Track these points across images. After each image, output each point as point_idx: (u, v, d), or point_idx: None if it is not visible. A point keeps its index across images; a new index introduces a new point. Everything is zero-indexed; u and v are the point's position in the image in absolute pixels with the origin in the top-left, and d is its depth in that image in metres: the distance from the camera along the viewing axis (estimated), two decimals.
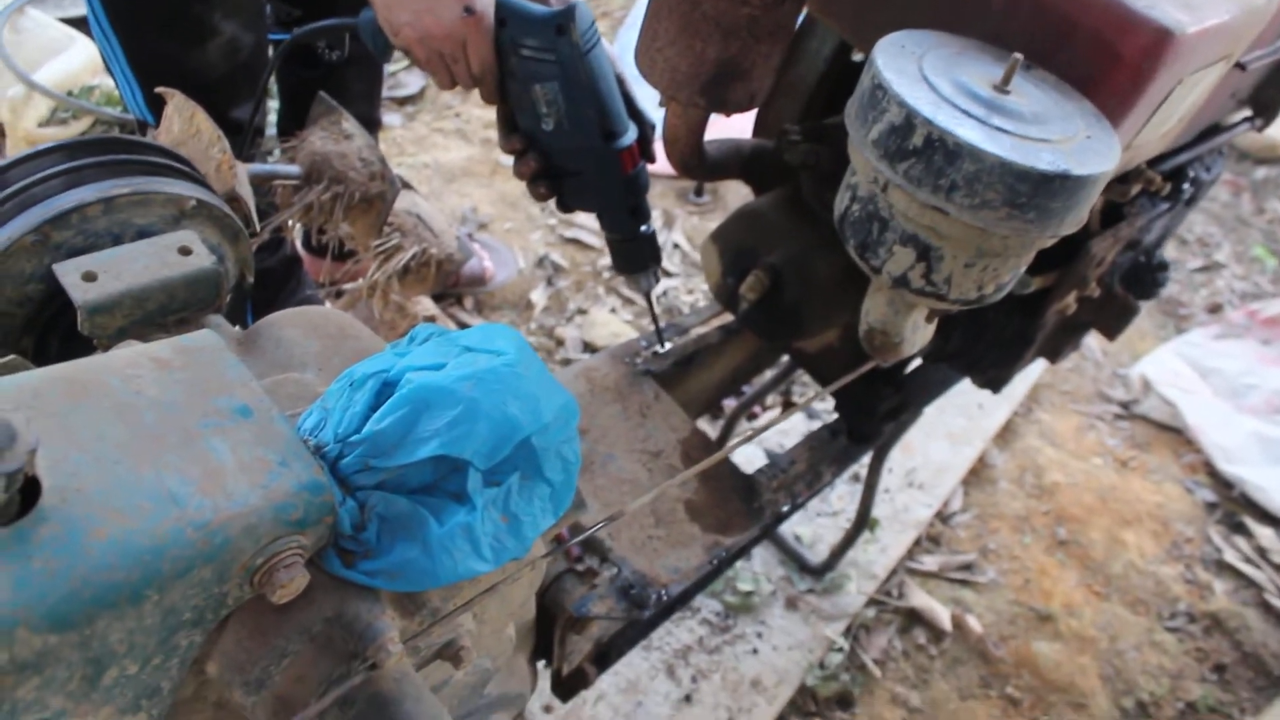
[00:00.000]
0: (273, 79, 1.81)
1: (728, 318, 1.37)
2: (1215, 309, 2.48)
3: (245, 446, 0.61)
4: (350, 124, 1.34)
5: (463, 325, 2.07)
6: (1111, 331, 1.21)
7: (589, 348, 2.08)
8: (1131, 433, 2.14)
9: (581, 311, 2.15)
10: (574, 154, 0.95)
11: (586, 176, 0.97)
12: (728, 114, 0.96)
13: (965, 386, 1.38)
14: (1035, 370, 2.19)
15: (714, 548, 1.12)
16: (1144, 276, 1.30)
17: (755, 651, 1.67)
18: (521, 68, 0.91)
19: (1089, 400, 2.20)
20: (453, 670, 0.78)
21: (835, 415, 1.35)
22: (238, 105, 1.40)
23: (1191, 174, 1.20)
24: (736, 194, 2.50)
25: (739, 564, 1.73)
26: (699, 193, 2.49)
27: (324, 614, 0.65)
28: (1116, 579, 1.83)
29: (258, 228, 1.18)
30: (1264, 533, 1.93)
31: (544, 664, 1.13)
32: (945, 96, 0.73)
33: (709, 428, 1.96)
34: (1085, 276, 1.10)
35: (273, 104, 1.97)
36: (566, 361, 2.07)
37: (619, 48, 2.88)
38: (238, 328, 0.87)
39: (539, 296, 2.17)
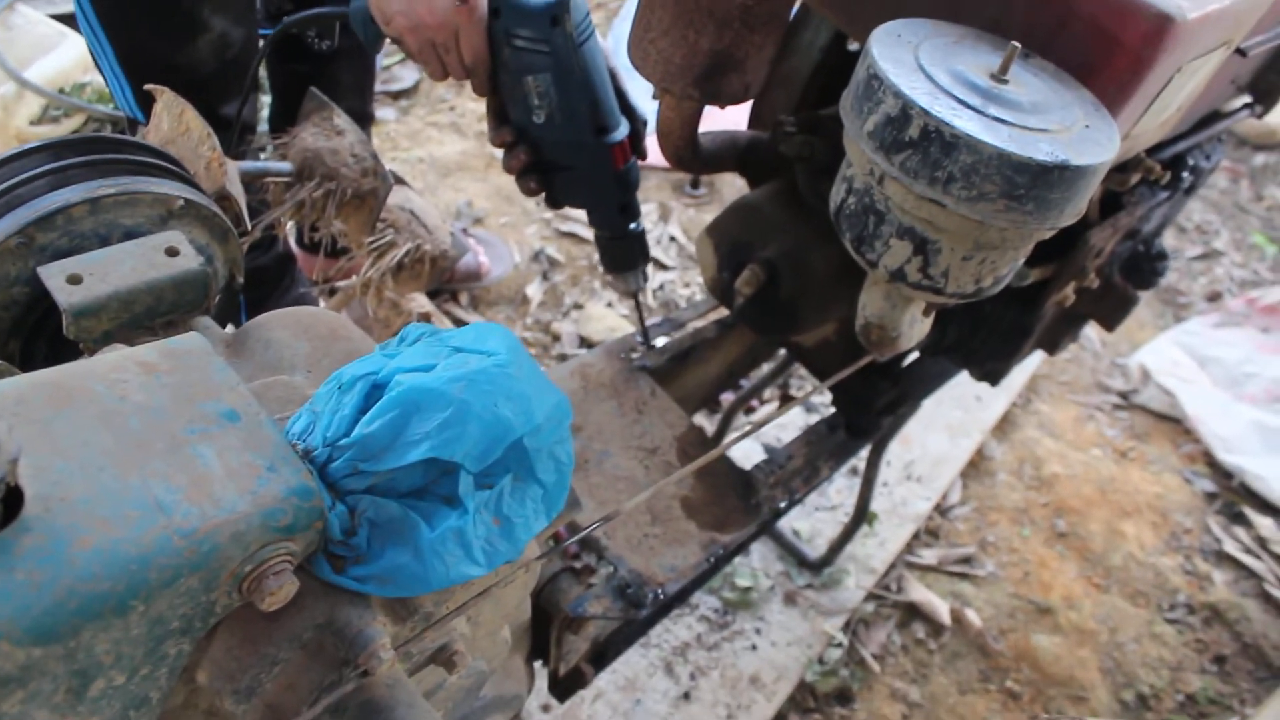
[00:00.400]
0: (263, 75, 1.80)
1: (724, 312, 1.36)
2: (1214, 297, 2.47)
3: (232, 452, 0.60)
4: (342, 119, 1.33)
5: (458, 321, 2.06)
6: (1110, 322, 1.20)
7: (585, 342, 2.07)
8: (1130, 423, 2.13)
9: (578, 306, 2.14)
10: (565, 148, 0.93)
11: (577, 171, 0.96)
12: (722, 106, 0.95)
13: (963, 378, 1.37)
14: (1033, 361, 2.18)
15: (711, 545, 1.12)
16: (1143, 266, 1.29)
17: (754, 648, 1.66)
18: (514, 59, 0.90)
19: (1087, 390, 2.19)
20: (447, 674, 0.77)
21: (832, 409, 1.35)
22: (228, 102, 1.38)
23: (1191, 162, 1.19)
24: (732, 186, 2.49)
25: (737, 559, 1.73)
26: (695, 185, 2.48)
27: (314, 621, 0.64)
28: (1116, 571, 1.82)
29: (249, 226, 1.17)
30: (1264, 523, 1.93)
31: (541, 664, 1.12)
32: (942, 86, 0.72)
33: (706, 422, 1.95)
34: (1084, 267, 1.09)
35: (264, 99, 1.96)
36: (563, 357, 2.06)
37: (613, 40, 2.86)
38: (230, 327, 0.86)
39: (535, 291, 2.16)
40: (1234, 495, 2.00)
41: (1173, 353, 2.24)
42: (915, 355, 1.32)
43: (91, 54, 1.35)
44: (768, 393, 2.06)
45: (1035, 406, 2.12)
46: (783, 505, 1.18)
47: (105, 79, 1.35)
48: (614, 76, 1.00)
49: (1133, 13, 0.80)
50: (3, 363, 0.76)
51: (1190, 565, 1.86)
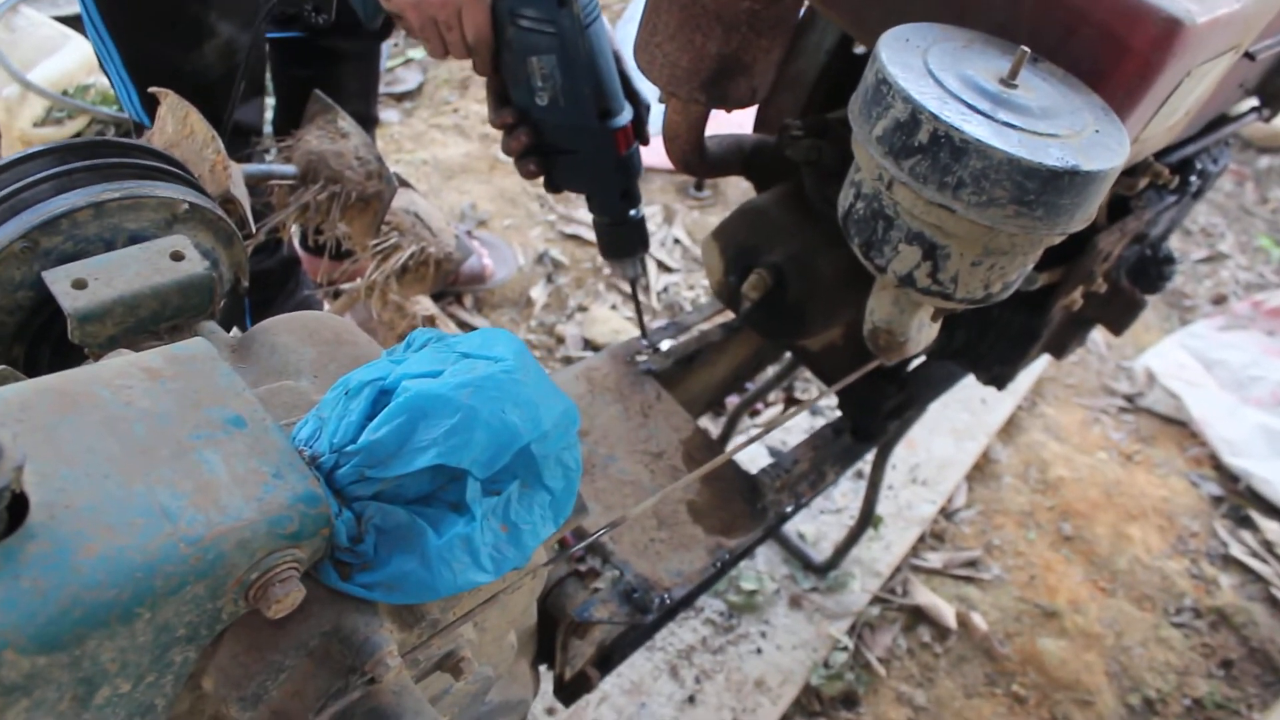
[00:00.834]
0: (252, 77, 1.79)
1: (729, 315, 1.36)
2: (1220, 300, 2.47)
3: (238, 458, 0.60)
4: (346, 122, 1.33)
5: (462, 324, 2.06)
6: (1118, 327, 1.20)
7: (590, 345, 2.06)
8: (1136, 426, 2.12)
9: (582, 309, 2.13)
10: (567, 131, 0.92)
11: (579, 155, 0.94)
12: (729, 110, 0.95)
13: (969, 381, 1.37)
14: (1039, 364, 2.17)
15: (717, 550, 1.11)
16: (1150, 270, 1.29)
17: (759, 651, 1.66)
18: (518, 39, 0.88)
19: (1093, 393, 2.18)
20: (454, 680, 0.76)
21: (838, 413, 1.34)
22: (239, 108, 1.38)
23: (1199, 166, 1.18)
24: (737, 189, 2.49)
25: (742, 563, 1.72)
26: (699, 187, 2.47)
27: (321, 628, 0.63)
28: (1122, 574, 1.82)
29: (254, 229, 1.17)
30: (1270, 526, 1.92)
31: (546, 667, 1.12)
32: (951, 91, 0.71)
33: (710, 425, 1.95)
34: (1092, 272, 1.08)
35: (268, 100, 1.96)
36: (567, 359, 2.06)
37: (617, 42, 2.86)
38: (235, 330, 0.85)
39: (539, 294, 2.15)
40: (1240, 499, 1.99)
41: (1178, 356, 2.23)
42: (922, 359, 1.32)
43: (98, 58, 1.35)
44: (772, 395, 2.05)
45: (1041, 409, 2.12)
46: (789, 510, 1.18)
47: (111, 83, 1.35)
48: (618, 60, 0.99)
49: (1141, 17, 0.79)
50: (6, 368, 0.76)
51: (1197, 569, 1.85)
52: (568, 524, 0.79)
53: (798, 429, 2.03)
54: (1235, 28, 0.88)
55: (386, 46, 2.49)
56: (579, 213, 2.25)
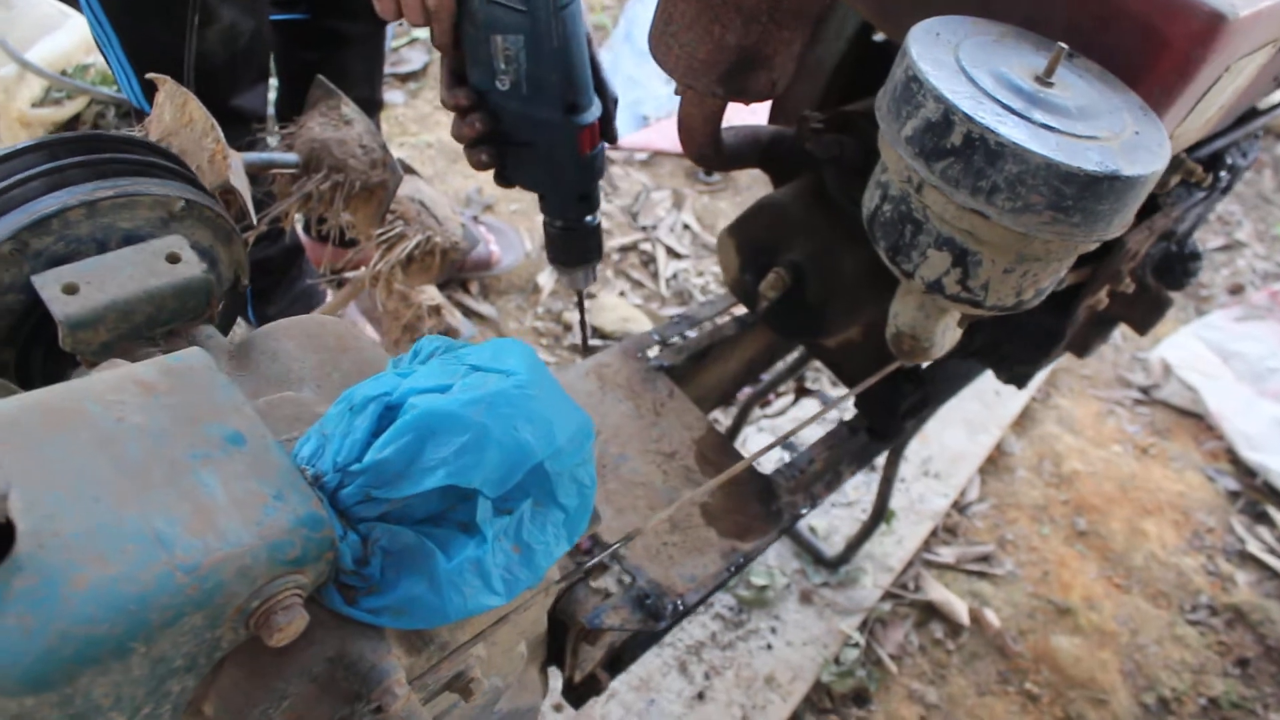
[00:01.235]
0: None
1: (741, 306, 1.32)
2: (1237, 290, 2.43)
3: (237, 479, 0.57)
4: (350, 109, 1.29)
5: (469, 311, 2.03)
6: (1143, 326, 1.17)
7: (598, 332, 2.03)
8: (1152, 419, 2.09)
9: (590, 295, 2.10)
10: (527, 122, 0.84)
11: (538, 149, 0.86)
12: (748, 103, 0.91)
13: (983, 372, 1.34)
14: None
15: (731, 554, 1.08)
16: (1175, 266, 1.25)
17: (769, 647, 1.64)
18: (483, 11, 0.80)
19: (1108, 385, 2.15)
20: (463, 700, 0.74)
21: (852, 410, 1.31)
22: (239, 93, 1.34)
23: (1229, 161, 1.15)
24: (748, 174, 2.45)
25: None
26: (709, 172, 2.43)
27: (325, 654, 0.61)
28: (1137, 571, 1.79)
29: (255, 220, 1.13)
30: None
31: (555, 667, 1.10)
32: (985, 90, 0.68)
33: (720, 415, 1.92)
34: (1119, 271, 1.05)
35: (271, 81, 1.92)
36: (574, 347, 2.03)
37: (626, 23, 2.81)
38: (240, 329, 0.82)
39: (546, 280, 2.12)
40: (1257, 494, 1.96)
41: (1195, 347, 2.19)
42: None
43: (97, 43, 1.31)
44: (783, 385, 2.02)
45: (1055, 401, 2.09)
46: (804, 511, 1.15)
47: (111, 68, 1.31)
48: (591, 49, 0.92)
49: (1182, 10, 0.76)
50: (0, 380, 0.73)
51: (1213, 566, 1.82)
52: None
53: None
54: (1276, 20, 0.84)
55: (391, 28, 2.45)
56: None
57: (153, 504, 0.54)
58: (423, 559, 0.61)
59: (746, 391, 1.81)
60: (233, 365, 0.71)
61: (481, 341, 0.71)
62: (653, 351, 1.27)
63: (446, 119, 2.37)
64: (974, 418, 2.00)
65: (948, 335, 0.89)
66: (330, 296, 1.75)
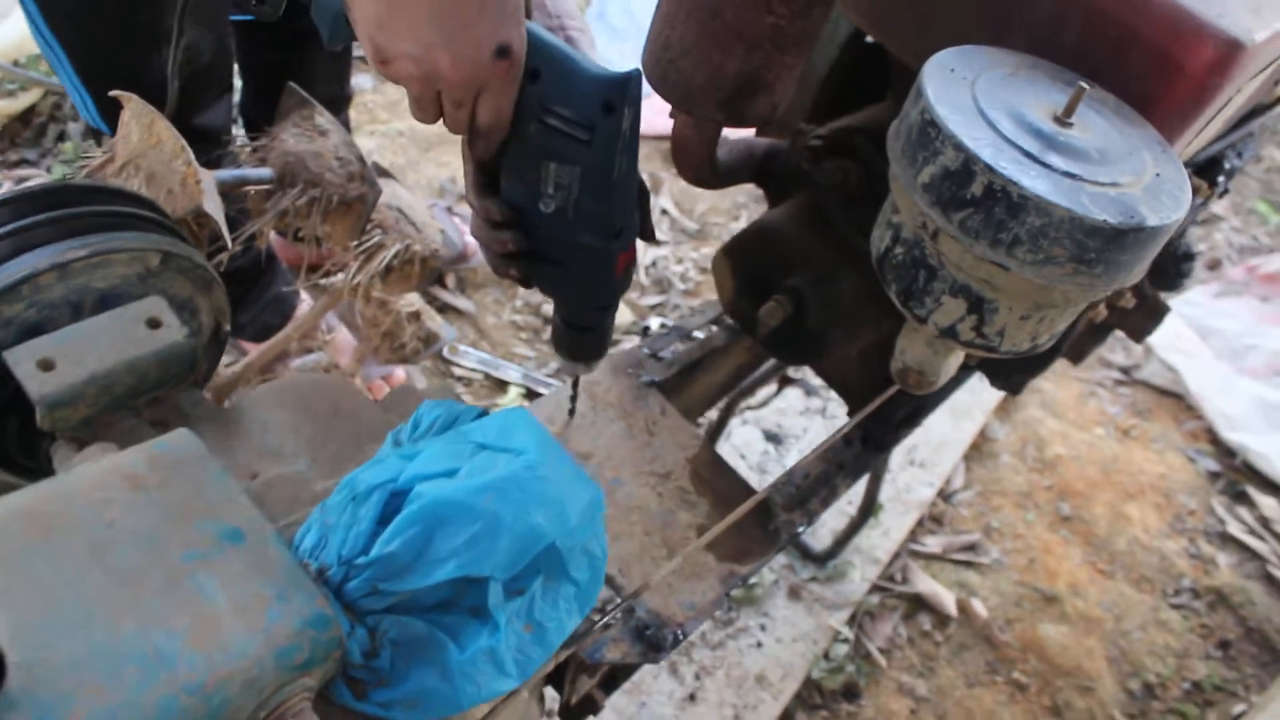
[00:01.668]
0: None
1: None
2: (1214, 265, 2.43)
3: (238, 581, 0.54)
4: (324, 118, 1.24)
5: (445, 306, 1.99)
6: (1140, 333, 1.16)
7: None
8: (1133, 399, 2.10)
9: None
10: (566, 245, 0.75)
11: (571, 269, 0.77)
12: (746, 127, 0.88)
13: None
14: None
15: (730, 578, 1.07)
16: (1169, 268, 1.24)
17: (759, 645, 1.63)
18: (541, 137, 0.69)
19: (1089, 366, 2.15)
20: None
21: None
22: (202, 111, 1.28)
23: (1227, 166, 1.13)
24: None
25: None
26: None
27: None
28: (1121, 556, 1.80)
29: (229, 243, 1.09)
30: (1267, 503, 1.91)
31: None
32: (1005, 135, 0.65)
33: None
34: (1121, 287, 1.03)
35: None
36: None
37: (596, 8, 2.73)
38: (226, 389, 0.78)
39: None
40: (1237, 474, 1.98)
41: (1174, 324, 2.20)
42: None
43: (47, 62, 1.24)
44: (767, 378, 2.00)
45: (1037, 384, 2.08)
46: (801, 530, 1.14)
47: (65, 89, 1.24)
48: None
49: (1199, 38, 0.73)
50: None
51: (1195, 549, 1.84)
52: None
53: (792, 410, 1.99)
54: None
55: None
56: None
57: (150, 616, 0.51)
58: (434, 649, 0.58)
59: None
60: (221, 435, 0.68)
61: (482, 411, 0.68)
62: (643, 368, 1.24)
63: None
64: (958, 403, 2.00)
65: (952, 366, 0.87)
66: (304, 299, 1.70)
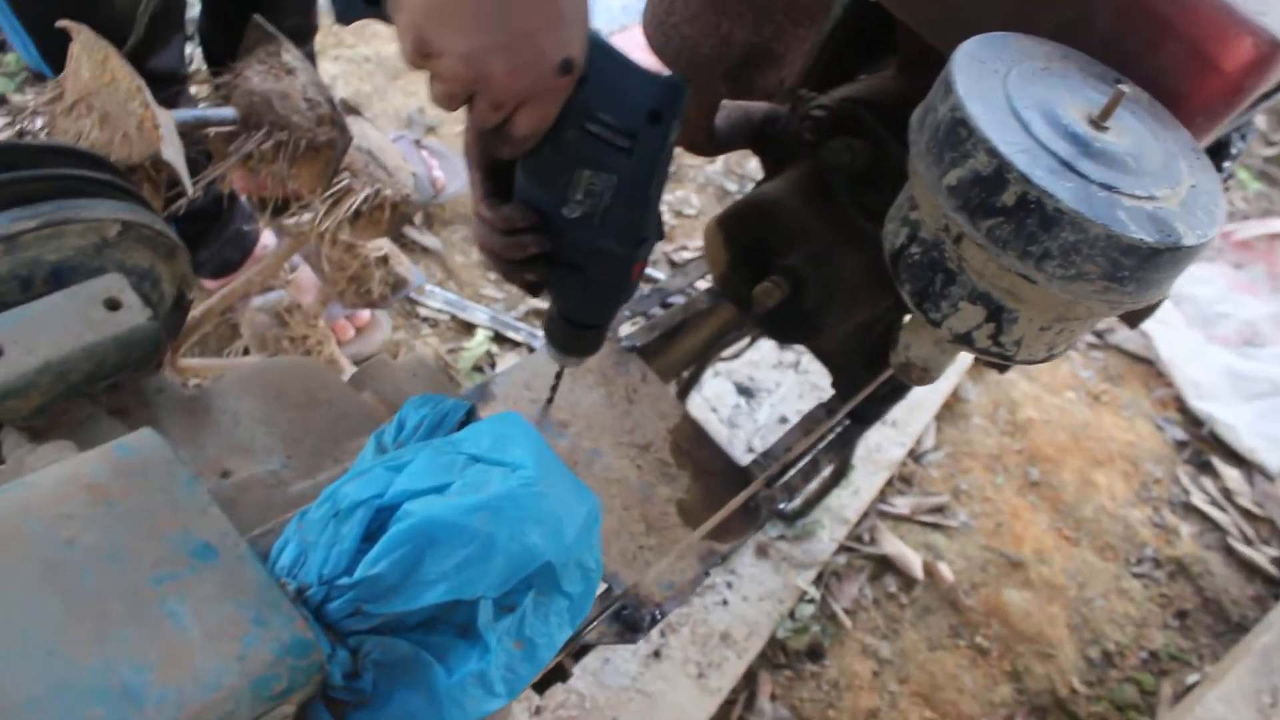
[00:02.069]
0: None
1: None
2: None
3: (210, 604, 0.50)
4: (291, 55, 1.16)
5: (412, 244, 1.92)
6: (1135, 320, 1.13)
7: None
8: (1105, 364, 2.10)
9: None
10: (586, 250, 0.70)
11: (587, 274, 0.73)
12: (750, 99, 0.83)
13: None
14: None
15: (709, 557, 1.05)
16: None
17: (725, 603, 1.63)
18: (580, 144, 0.65)
19: None
20: None
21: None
22: (158, 54, 1.19)
23: (1233, 150, 1.10)
24: None
25: None
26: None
27: None
28: (1087, 523, 1.81)
29: (190, 189, 1.02)
30: (1230, 474, 1.93)
31: None
32: (1039, 140, 0.61)
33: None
34: None
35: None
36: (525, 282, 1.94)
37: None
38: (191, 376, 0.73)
39: None
40: (1203, 444, 1.99)
41: None
42: None
43: None
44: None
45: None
46: (782, 506, 1.12)
47: (2, 29, 1.14)
48: None
49: (1238, 36, 0.69)
50: None
51: (1159, 518, 1.86)
52: None
53: (765, 363, 1.97)
54: None
55: None
56: None
57: (116, 647, 0.47)
58: (420, 671, 0.55)
59: None
60: (188, 427, 0.63)
61: (465, 398, 0.64)
62: (624, 329, 1.20)
63: (387, 30, 2.20)
64: None
65: (953, 359, 0.84)
66: (269, 236, 1.63)
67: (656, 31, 0.80)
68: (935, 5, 0.82)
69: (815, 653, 1.61)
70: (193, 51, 1.68)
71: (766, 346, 2.00)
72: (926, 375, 0.81)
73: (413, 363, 0.81)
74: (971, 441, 1.90)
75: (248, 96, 1.12)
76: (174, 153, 0.98)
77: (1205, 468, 1.95)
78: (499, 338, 1.85)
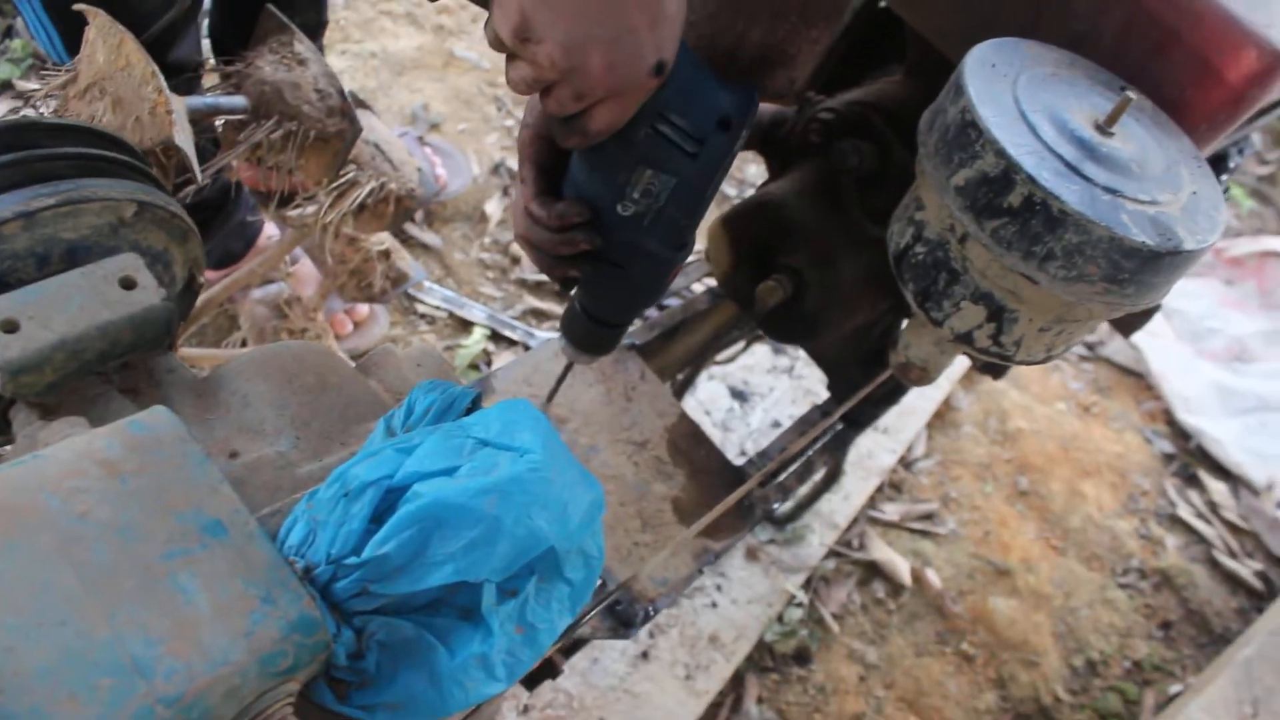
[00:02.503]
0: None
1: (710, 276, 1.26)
2: None
3: (220, 580, 0.50)
4: (303, 46, 1.17)
5: (411, 240, 1.92)
6: (1128, 328, 1.15)
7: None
8: (1095, 376, 2.12)
9: None
10: (631, 250, 0.70)
11: (628, 274, 0.72)
12: (764, 101, 0.84)
13: None
14: None
15: (703, 554, 1.05)
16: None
17: (714, 605, 1.63)
18: (648, 143, 0.65)
19: None
20: None
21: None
22: (178, 46, 1.19)
23: (1231, 164, 1.11)
24: None
25: None
26: None
27: None
28: (1074, 533, 1.83)
29: (199, 176, 1.03)
30: (1217, 487, 1.95)
31: None
32: (1047, 143, 0.62)
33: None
34: None
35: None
36: (523, 282, 1.95)
37: None
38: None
39: (494, 208, 2.02)
40: (1190, 457, 2.01)
41: None
42: None
43: None
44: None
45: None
46: (776, 506, 1.13)
47: (24, 20, 1.14)
48: None
49: (1243, 47, 0.70)
50: None
51: (1145, 529, 1.87)
52: None
53: (759, 368, 1.98)
54: None
55: None
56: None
57: (127, 621, 0.47)
58: (423, 653, 0.56)
59: None
60: (198, 408, 0.63)
61: (474, 390, 0.64)
62: None
63: (394, 25, 2.21)
64: None
65: (952, 360, 0.85)
66: (272, 229, 1.63)
67: None
68: (947, 13, 0.83)
69: (802, 657, 1.61)
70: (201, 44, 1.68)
71: (761, 351, 2.01)
72: (925, 376, 0.82)
73: (417, 353, 0.82)
74: (962, 450, 1.91)
75: (259, 86, 1.12)
76: (185, 139, 0.98)
77: (1192, 481, 1.97)
78: (496, 336, 1.85)
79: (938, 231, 0.68)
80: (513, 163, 2.08)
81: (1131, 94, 0.64)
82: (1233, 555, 1.88)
